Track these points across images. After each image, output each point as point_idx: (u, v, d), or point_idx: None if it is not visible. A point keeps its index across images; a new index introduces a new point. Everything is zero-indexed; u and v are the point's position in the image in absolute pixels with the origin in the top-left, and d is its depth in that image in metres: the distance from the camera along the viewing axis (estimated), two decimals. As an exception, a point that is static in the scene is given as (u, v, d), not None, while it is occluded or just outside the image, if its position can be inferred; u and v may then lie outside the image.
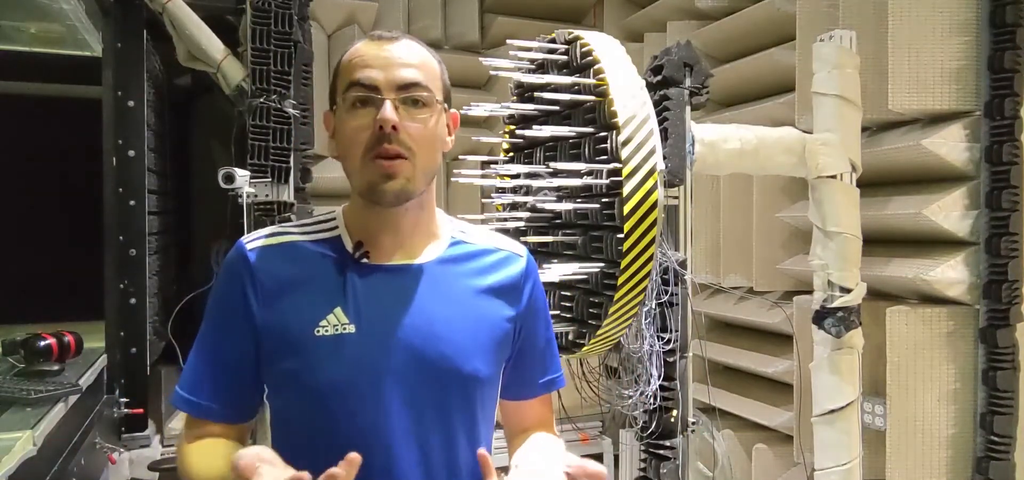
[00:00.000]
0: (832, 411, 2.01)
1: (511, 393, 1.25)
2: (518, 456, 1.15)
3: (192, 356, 1.12)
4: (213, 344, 1.11)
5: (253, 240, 1.12)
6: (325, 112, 1.14)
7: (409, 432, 1.07)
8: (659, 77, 1.93)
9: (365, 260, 1.10)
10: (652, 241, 1.76)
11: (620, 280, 1.76)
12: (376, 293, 1.09)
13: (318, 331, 1.05)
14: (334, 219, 1.16)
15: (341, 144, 1.09)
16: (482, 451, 1.03)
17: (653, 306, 1.91)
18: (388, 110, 1.03)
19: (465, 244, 1.18)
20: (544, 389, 1.26)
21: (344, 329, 1.06)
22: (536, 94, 1.96)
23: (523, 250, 1.23)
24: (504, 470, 1.15)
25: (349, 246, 1.12)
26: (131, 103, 2.96)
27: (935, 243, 2.26)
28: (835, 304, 1.99)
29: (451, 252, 1.16)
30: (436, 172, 1.13)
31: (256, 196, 2.40)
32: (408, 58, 1.08)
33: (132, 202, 2.97)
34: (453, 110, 1.16)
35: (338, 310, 1.07)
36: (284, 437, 1.10)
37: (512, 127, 2.23)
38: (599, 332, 1.86)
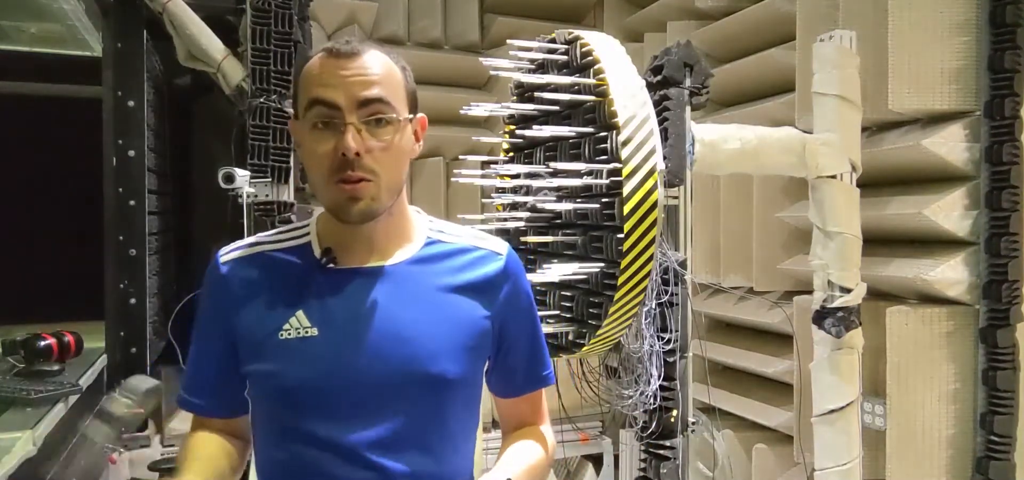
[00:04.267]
0: (832, 411, 2.01)
1: (498, 391, 1.27)
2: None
3: (190, 362, 1.19)
4: (200, 349, 1.18)
5: (227, 253, 1.16)
6: (291, 121, 1.15)
7: (374, 432, 1.07)
8: (659, 77, 1.93)
9: (331, 265, 1.11)
10: (652, 241, 1.76)
11: (620, 280, 1.76)
12: (341, 296, 1.10)
13: (281, 335, 1.08)
14: (307, 226, 1.18)
15: (306, 162, 1.10)
16: None
17: (653, 306, 1.91)
18: (350, 138, 1.03)
19: (441, 244, 1.18)
20: (529, 388, 1.26)
21: (307, 332, 1.08)
22: (536, 94, 1.96)
23: (504, 248, 1.21)
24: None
25: (317, 252, 1.13)
26: (131, 103, 2.96)
27: (935, 243, 2.26)
28: (835, 304, 1.99)
29: (424, 252, 1.16)
30: (403, 184, 1.13)
31: (256, 196, 2.40)
32: (370, 74, 1.06)
33: (132, 202, 2.97)
34: (420, 115, 1.15)
35: (300, 314, 1.08)
36: (261, 432, 1.15)
37: (512, 127, 2.23)
38: (599, 332, 1.86)
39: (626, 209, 1.72)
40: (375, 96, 1.05)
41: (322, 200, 1.10)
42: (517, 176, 2.11)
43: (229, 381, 1.15)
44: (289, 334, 1.07)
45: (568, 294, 2.02)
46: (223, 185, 2.32)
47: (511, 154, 2.27)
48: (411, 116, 1.12)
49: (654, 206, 1.74)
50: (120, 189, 2.94)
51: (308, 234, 1.16)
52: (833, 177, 1.99)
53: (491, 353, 1.20)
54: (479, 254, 1.19)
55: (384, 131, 1.06)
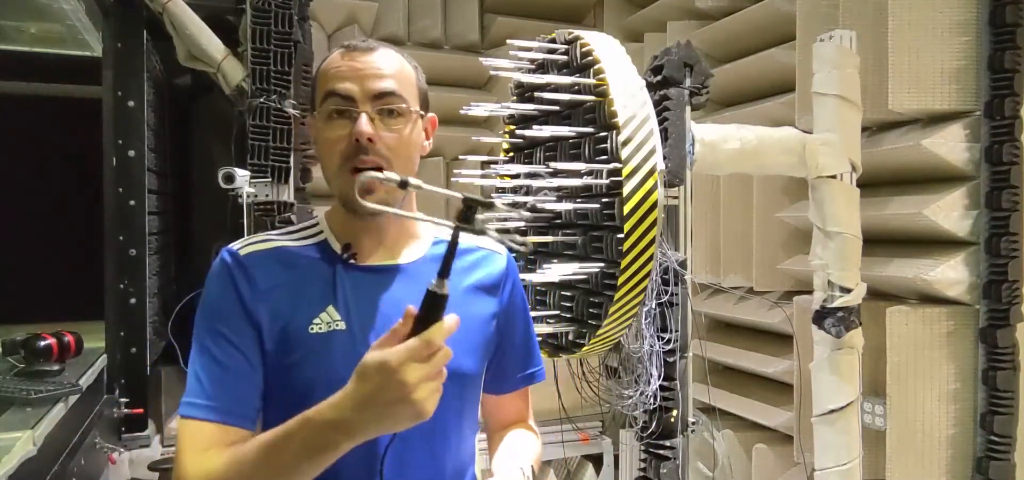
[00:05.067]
0: (832, 411, 2.01)
1: (491, 387, 1.28)
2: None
3: (199, 369, 1.07)
4: (223, 351, 1.06)
5: (243, 246, 1.13)
6: (309, 119, 1.17)
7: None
8: (659, 77, 1.93)
9: (352, 261, 1.13)
10: (652, 241, 1.76)
11: (620, 280, 1.76)
12: (364, 292, 1.11)
13: (312, 328, 1.08)
14: (318, 224, 1.19)
15: (320, 153, 1.12)
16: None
17: (653, 306, 1.91)
18: (363, 123, 1.06)
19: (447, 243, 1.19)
20: (523, 383, 1.30)
21: (336, 326, 1.08)
22: (536, 94, 1.96)
23: (503, 249, 1.25)
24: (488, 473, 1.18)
25: (336, 248, 1.14)
26: (131, 103, 2.96)
27: (935, 243, 2.26)
28: (835, 304, 1.99)
29: (434, 251, 1.18)
30: (413, 176, 1.14)
31: (256, 196, 2.40)
32: (383, 68, 1.10)
33: (132, 202, 2.97)
34: (430, 114, 1.19)
35: (330, 308, 1.09)
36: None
37: (512, 127, 2.23)
38: (599, 332, 1.86)
39: (626, 209, 1.72)
40: (388, 88, 1.09)
41: (334, 189, 1.12)
42: (517, 176, 2.11)
43: (259, 382, 1.08)
44: (320, 328, 1.07)
45: (568, 294, 2.02)
46: (223, 185, 2.32)
47: (511, 154, 2.27)
48: (422, 112, 1.15)
49: (654, 206, 1.74)
50: (120, 189, 2.94)
51: (321, 231, 1.17)
52: (833, 177, 1.99)
53: (492, 349, 1.22)
54: (482, 254, 1.23)
55: (396, 122, 1.10)
